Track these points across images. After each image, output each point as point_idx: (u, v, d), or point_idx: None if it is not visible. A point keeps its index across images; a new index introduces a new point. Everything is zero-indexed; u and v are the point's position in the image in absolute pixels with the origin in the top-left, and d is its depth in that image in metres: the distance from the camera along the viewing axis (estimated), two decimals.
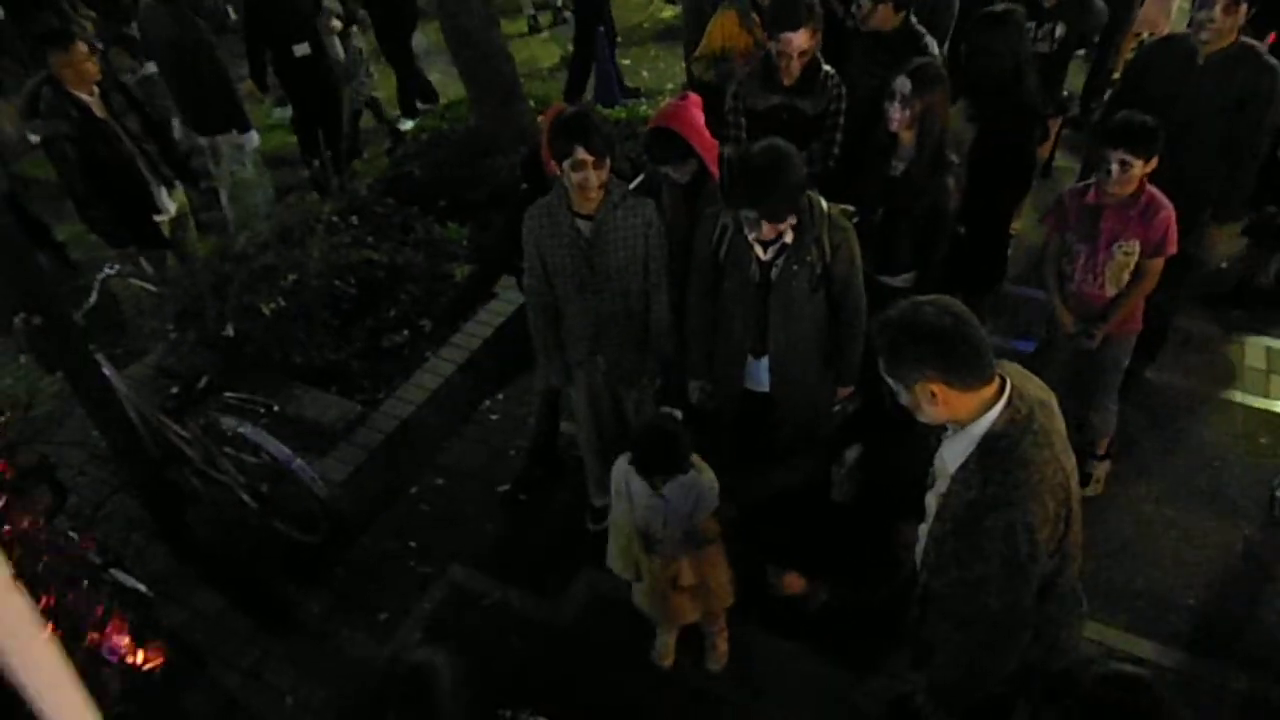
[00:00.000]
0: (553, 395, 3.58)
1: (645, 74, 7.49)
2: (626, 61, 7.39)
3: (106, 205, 4.19)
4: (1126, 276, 3.07)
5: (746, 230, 2.72)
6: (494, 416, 4.20)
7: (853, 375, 3.08)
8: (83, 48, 3.96)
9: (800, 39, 3.32)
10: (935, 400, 1.78)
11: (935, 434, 2.03)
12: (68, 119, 3.96)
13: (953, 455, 1.87)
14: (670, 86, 6.93)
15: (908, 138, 3.12)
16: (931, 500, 2.00)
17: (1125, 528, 3.45)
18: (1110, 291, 3.12)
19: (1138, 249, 3.01)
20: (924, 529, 2.05)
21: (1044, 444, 1.79)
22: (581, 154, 2.68)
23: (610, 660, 3.10)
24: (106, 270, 3.57)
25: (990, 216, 3.68)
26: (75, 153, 4.00)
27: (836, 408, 3.18)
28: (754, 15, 4.02)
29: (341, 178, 5.51)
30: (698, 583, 2.76)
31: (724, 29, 4.12)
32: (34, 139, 4.21)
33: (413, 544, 3.58)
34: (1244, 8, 3.18)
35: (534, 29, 8.42)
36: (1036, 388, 1.91)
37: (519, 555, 3.50)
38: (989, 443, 1.79)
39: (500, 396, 4.28)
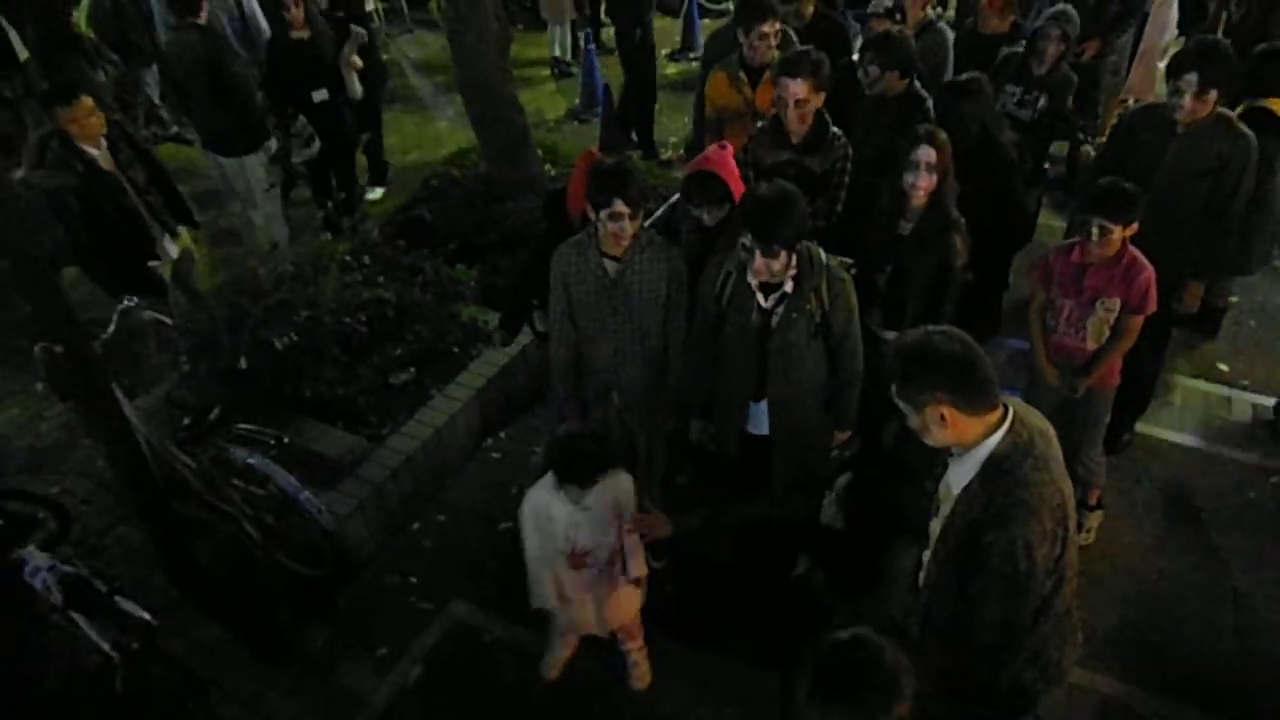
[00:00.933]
0: None
1: None
2: None
3: (106, 257, 4.17)
4: (1107, 331, 3.21)
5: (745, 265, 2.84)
6: (496, 455, 4.26)
7: (850, 420, 3.17)
8: (88, 102, 3.94)
9: (797, 87, 3.41)
10: (944, 422, 1.90)
11: (931, 476, 2.12)
12: (73, 172, 3.96)
13: (957, 478, 1.98)
14: (673, 140, 7.15)
15: (921, 200, 3.24)
16: (935, 525, 2.09)
17: (1117, 578, 3.51)
18: (1091, 345, 3.25)
19: (1118, 306, 3.15)
20: (927, 555, 2.13)
21: (1042, 468, 1.91)
22: (620, 206, 2.84)
23: (611, 697, 3.12)
24: (125, 302, 3.66)
25: (982, 269, 3.81)
26: (79, 205, 3.99)
27: (834, 451, 3.27)
28: (742, 75, 4.18)
29: (353, 218, 5.67)
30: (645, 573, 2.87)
31: (716, 89, 4.27)
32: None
33: (414, 580, 3.61)
34: (1214, 94, 3.36)
35: (558, 73, 8.68)
36: (1037, 418, 2.04)
37: (520, 592, 3.51)
38: (992, 464, 1.91)
39: (503, 435, 4.35)
